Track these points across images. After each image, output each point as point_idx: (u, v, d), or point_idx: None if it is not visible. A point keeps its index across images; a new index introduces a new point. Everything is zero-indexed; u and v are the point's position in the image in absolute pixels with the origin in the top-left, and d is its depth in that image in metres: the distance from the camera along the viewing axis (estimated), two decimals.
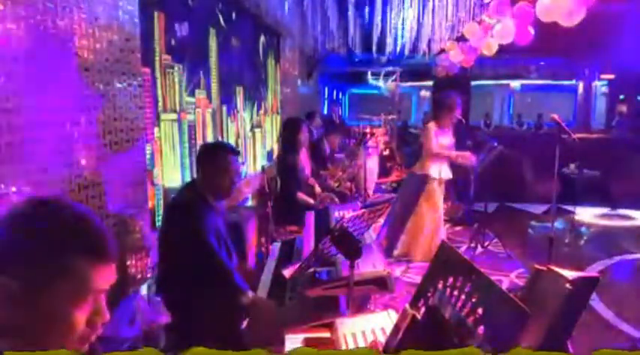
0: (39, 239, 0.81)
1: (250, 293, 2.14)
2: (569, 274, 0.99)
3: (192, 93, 3.38)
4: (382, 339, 1.44)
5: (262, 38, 5.49)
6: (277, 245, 2.94)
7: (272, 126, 6.06)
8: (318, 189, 4.72)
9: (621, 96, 10.13)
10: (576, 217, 6.30)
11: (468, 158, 4.82)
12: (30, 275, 0.80)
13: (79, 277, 0.82)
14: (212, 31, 3.81)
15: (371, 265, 1.85)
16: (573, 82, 12.03)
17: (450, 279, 1.19)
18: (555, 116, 4.43)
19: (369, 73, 11.18)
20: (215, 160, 2.37)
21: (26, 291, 0.80)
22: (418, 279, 1.38)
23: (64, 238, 0.82)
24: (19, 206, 0.86)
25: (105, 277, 0.86)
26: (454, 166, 7.03)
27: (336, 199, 4.74)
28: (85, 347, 0.87)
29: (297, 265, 2.01)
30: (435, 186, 4.71)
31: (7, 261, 0.81)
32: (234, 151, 2.43)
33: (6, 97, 1.58)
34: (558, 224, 5.94)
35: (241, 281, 2.20)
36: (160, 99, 2.88)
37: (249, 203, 4.79)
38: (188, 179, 3.16)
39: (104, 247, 0.86)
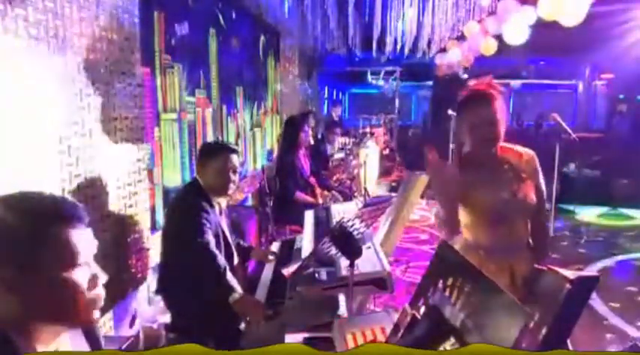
0: (19, 220, 0.87)
1: (238, 293, 2.14)
2: (569, 274, 0.99)
3: (192, 93, 3.37)
4: (382, 339, 1.44)
5: (262, 38, 5.48)
6: (277, 245, 2.94)
7: (272, 126, 6.06)
8: (318, 188, 4.73)
9: (621, 96, 10.13)
10: (576, 217, 6.30)
11: None
12: (15, 260, 0.86)
13: (59, 243, 0.88)
14: (212, 31, 3.81)
15: (371, 265, 1.85)
16: (573, 82, 12.04)
17: (450, 279, 1.19)
18: (556, 115, 4.43)
19: (369, 72, 11.18)
20: (213, 158, 2.38)
21: (22, 273, 0.86)
22: (418, 279, 1.38)
23: (36, 215, 0.88)
24: None
25: (85, 239, 0.92)
26: None
27: (340, 197, 4.75)
28: (96, 313, 0.94)
29: (297, 265, 2.02)
30: None
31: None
32: (231, 149, 2.43)
33: (6, 96, 1.58)
34: (558, 224, 5.95)
35: (232, 279, 2.20)
36: (160, 99, 2.88)
37: (249, 202, 4.79)
38: (188, 179, 3.16)
39: (79, 212, 0.93)
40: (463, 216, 2.01)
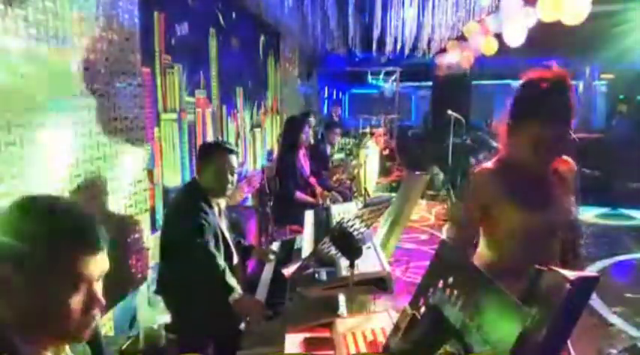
0: (31, 235, 0.85)
1: (238, 293, 2.14)
2: (569, 274, 0.99)
3: (192, 94, 3.38)
4: (382, 339, 1.44)
5: (262, 38, 5.48)
6: (277, 245, 2.94)
7: (272, 126, 6.06)
8: (318, 188, 4.73)
9: (621, 96, 10.12)
10: None
11: None
12: (21, 268, 0.84)
13: (68, 268, 0.86)
14: (212, 31, 3.81)
15: (371, 265, 1.85)
16: (573, 82, 12.06)
17: (450, 279, 1.19)
18: None
19: (369, 72, 11.18)
20: (211, 159, 2.38)
21: (20, 284, 0.84)
22: (418, 279, 1.38)
23: (54, 233, 0.86)
24: (14, 203, 0.89)
25: (95, 266, 0.90)
26: (453, 165, 7.04)
27: (339, 197, 4.75)
28: (86, 333, 0.92)
29: (297, 265, 2.01)
30: None
31: (2, 255, 0.84)
32: (230, 149, 2.44)
33: (6, 96, 1.58)
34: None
35: (232, 279, 2.20)
36: (160, 99, 2.88)
37: (249, 202, 4.79)
38: (188, 179, 3.16)
39: (92, 239, 0.90)
40: (489, 233, 1.72)
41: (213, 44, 3.83)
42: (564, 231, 1.76)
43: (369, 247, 2.00)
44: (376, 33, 6.10)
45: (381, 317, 1.61)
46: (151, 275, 2.62)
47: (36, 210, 0.88)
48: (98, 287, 0.92)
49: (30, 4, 1.68)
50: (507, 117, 1.66)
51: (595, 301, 3.80)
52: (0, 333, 0.84)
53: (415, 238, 5.56)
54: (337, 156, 6.89)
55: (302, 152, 4.68)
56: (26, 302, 0.85)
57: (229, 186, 2.41)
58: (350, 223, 1.71)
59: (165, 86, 2.94)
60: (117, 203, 2.29)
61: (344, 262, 1.77)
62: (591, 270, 4.58)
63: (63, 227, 0.87)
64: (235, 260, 2.53)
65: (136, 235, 2.48)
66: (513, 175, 1.65)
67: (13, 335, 0.85)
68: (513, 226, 1.64)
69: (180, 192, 2.58)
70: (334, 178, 5.67)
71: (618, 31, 7.03)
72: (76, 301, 0.87)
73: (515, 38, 5.43)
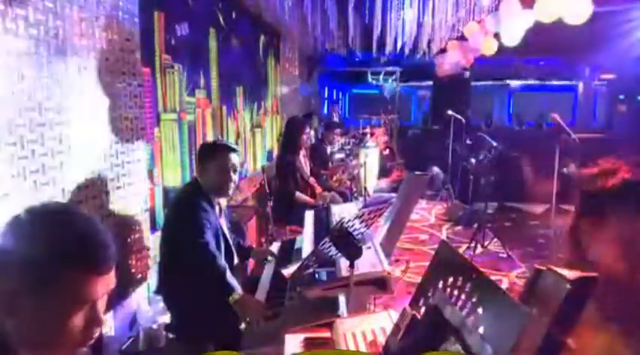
0: (39, 249, 0.81)
1: (238, 293, 2.14)
2: (569, 274, 0.99)
3: (192, 93, 3.38)
4: (382, 339, 1.44)
5: (262, 38, 5.49)
6: (277, 245, 2.94)
7: (272, 126, 6.06)
8: (318, 188, 4.73)
9: (621, 96, 10.12)
10: None
11: None
12: (25, 284, 0.81)
13: (73, 289, 0.83)
14: (212, 31, 3.82)
15: (371, 265, 1.85)
16: (573, 82, 12.06)
17: (450, 279, 1.19)
18: (556, 116, 4.43)
19: (369, 72, 11.19)
20: (213, 158, 2.38)
21: (20, 298, 0.81)
22: (418, 279, 1.38)
23: (64, 251, 0.82)
24: (25, 213, 0.86)
25: (101, 287, 0.86)
26: (454, 166, 7.04)
27: (339, 198, 4.75)
28: (82, 349, 0.88)
29: (297, 265, 2.02)
30: None
31: (6, 267, 0.82)
32: (231, 148, 2.44)
33: (6, 96, 1.58)
34: (559, 224, 5.94)
35: (232, 279, 2.21)
36: (160, 99, 2.88)
37: (249, 202, 4.79)
38: (188, 179, 3.16)
39: (103, 261, 0.86)
40: None
41: (213, 44, 3.83)
42: None
43: (369, 247, 2.00)
44: (376, 33, 6.10)
45: (381, 317, 1.61)
46: (151, 275, 2.62)
47: (46, 223, 0.85)
48: (101, 305, 0.89)
49: (30, 4, 1.68)
50: (584, 216, 1.34)
51: None
52: (4, 343, 0.83)
53: (415, 238, 5.56)
54: (337, 156, 6.89)
55: (302, 152, 4.68)
56: (27, 315, 0.82)
57: (231, 184, 2.41)
58: (350, 223, 1.71)
59: (165, 86, 2.94)
60: (117, 203, 2.29)
61: (344, 262, 1.77)
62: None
63: (72, 245, 0.84)
64: (235, 260, 2.54)
65: (136, 235, 2.49)
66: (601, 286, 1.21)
67: (16, 345, 0.83)
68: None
69: (181, 191, 2.58)
70: (334, 178, 5.66)
71: (618, 31, 7.03)
72: (77, 319, 0.84)
73: (512, 38, 5.44)
